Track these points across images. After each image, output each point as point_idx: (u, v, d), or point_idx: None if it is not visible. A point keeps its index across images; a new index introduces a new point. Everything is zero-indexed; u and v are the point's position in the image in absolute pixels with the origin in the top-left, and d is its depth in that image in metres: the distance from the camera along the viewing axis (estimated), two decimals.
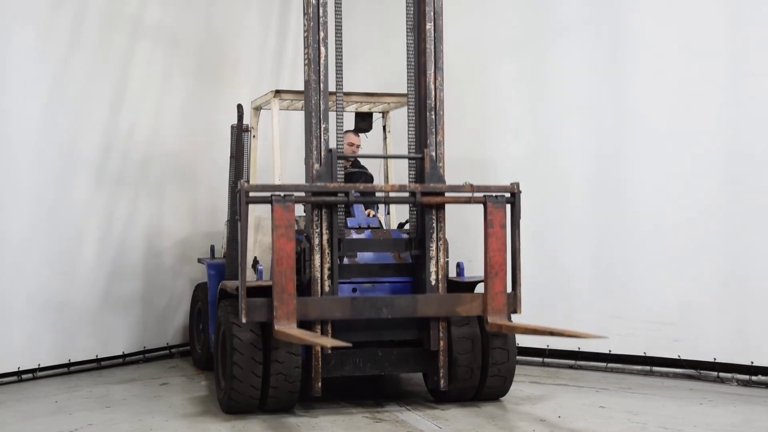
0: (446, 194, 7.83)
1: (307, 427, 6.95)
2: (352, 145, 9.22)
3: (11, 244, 8.93)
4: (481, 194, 7.74)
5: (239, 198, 7.25)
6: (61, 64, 9.52)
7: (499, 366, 7.81)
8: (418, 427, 6.95)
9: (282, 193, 7.28)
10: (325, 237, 7.53)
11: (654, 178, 9.54)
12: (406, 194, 7.86)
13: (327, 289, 7.51)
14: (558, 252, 10.06)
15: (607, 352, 9.67)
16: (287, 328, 6.95)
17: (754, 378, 8.90)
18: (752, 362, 8.91)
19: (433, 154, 7.86)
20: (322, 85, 7.66)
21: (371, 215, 8.67)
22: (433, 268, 7.77)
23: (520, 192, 7.82)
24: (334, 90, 7.79)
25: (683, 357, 9.28)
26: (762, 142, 8.91)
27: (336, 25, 7.83)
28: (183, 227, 11.05)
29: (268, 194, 7.29)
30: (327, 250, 7.55)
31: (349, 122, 9.00)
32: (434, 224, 7.82)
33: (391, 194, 8.58)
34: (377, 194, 8.35)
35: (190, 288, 10.77)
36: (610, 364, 9.68)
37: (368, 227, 8.18)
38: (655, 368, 9.44)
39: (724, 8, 9.21)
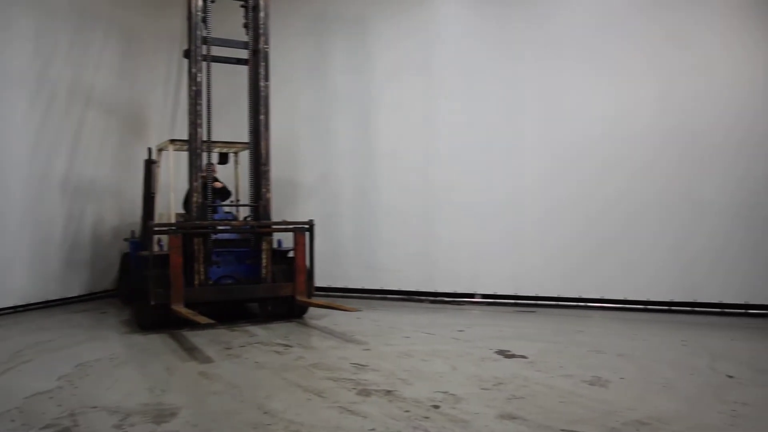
0: (272, 227, 7.92)
1: (192, 336, 7.02)
2: (214, 172, 8.62)
3: (6, 233, 8.65)
4: (292, 226, 7.91)
5: (148, 230, 7.11)
6: (41, 120, 9.21)
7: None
8: (256, 333, 7.08)
9: (175, 227, 7.39)
10: (201, 254, 7.59)
11: (387, 190, 9.81)
12: (248, 227, 7.91)
13: (203, 278, 7.59)
14: (335, 234, 10.02)
15: (362, 288, 10.02)
16: (178, 307, 7.05)
17: (437, 299, 9.42)
18: (436, 290, 9.47)
19: (265, 204, 7.96)
20: (198, 136, 7.68)
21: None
22: (263, 270, 7.86)
23: (314, 225, 7.90)
24: (205, 139, 7.77)
25: (402, 289, 9.72)
26: (442, 173, 9.32)
27: (207, 97, 7.81)
28: (115, 220, 10.78)
29: (166, 228, 7.40)
30: (202, 259, 7.59)
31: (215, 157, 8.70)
32: (264, 244, 7.89)
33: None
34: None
35: (119, 256, 10.55)
36: (364, 295, 9.92)
37: (227, 220, 8.15)
38: (388, 295, 9.80)
39: (420, 99, 9.41)
